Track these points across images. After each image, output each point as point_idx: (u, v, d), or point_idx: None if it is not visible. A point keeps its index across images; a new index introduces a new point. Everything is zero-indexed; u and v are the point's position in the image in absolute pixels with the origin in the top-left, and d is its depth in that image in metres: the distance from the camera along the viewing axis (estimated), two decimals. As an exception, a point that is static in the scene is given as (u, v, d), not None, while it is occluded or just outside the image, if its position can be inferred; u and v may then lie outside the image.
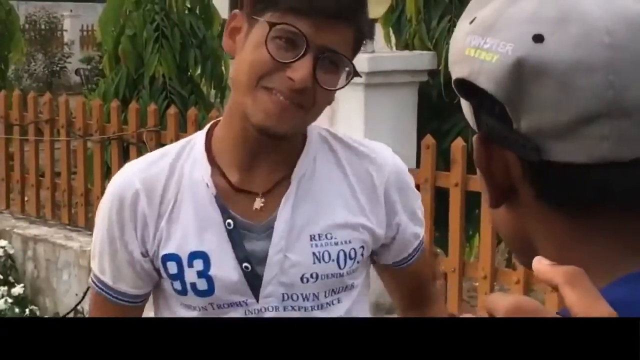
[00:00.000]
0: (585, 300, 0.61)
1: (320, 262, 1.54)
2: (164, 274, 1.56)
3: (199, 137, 1.58)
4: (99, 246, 1.59)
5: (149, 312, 1.67)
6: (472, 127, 0.81)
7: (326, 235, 1.55)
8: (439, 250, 4.50)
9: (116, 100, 5.77)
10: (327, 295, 1.57)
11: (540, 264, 0.65)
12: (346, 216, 1.57)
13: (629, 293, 0.73)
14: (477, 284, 4.53)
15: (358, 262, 1.58)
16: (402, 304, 1.81)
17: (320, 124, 1.58)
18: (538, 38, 0.73)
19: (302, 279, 1.54)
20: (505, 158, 0.78)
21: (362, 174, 1.59)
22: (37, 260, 5.60)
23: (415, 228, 1.66)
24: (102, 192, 1.64)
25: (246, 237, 1.54)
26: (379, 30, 5.09)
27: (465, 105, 0.82)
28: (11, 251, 5.72)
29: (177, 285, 1.55)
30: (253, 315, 1.53)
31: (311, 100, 1.46)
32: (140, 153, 5.00)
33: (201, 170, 1.55)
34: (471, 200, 4.22)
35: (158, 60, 6.01)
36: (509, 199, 0.81)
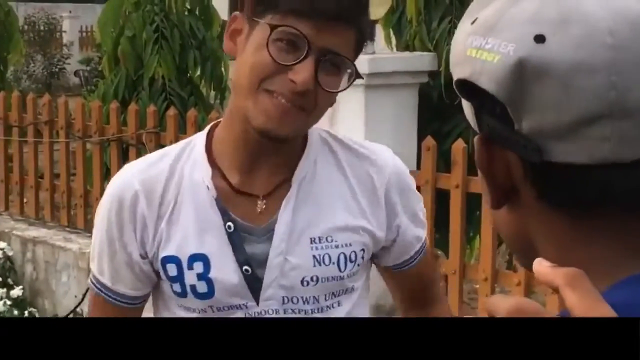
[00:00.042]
0: (585, 302, 0.61)
1: (320, 265, 1.54)
2: (163, 276, 1.56)
3: (199, 138, 1.58)
4: (98, 247, 1.59)
5: (148, 314, 1.67)
6: (474, 128, 0.81)
7: (327, 238, 1.55)
8: (439, 252, 4.50)
9: (115, 101, 5.76)
10: (327, 298, 1.56)
11: (541, 265, 0.65)
12: (347, 219, 1.56)
13: (631, 295, 0.73)
14: (477, 286, 4.53)
15: (358, 265, 1.58)
16: (404, 305, 1.80)
17: (320, 125, 1.58)
18: (540, 38, 0.73)
19: (302, 282, 1.54)
20: (506, 159, 0.78)
21: (363, 176, 1.59)
22: (36, 262, 5.60)
23: (416, 230, 1.66)
24: (102, 194, 1.64)
25: (246, 240, 1.54)
26: (379, 31, 5.09)
27: (466, 106, 0.82)
28: (10, 253, 5.71)
29: (177, 287, 1.55)
30: (253, 318, 1.53)
31: (313, 102, 1.45)
32: (139, 154, 5.00)
33: (201, 172, 1.54)
34: (472, 202, 4.21)
35: (157, 62, 6.01)
36: (510, 200, 0.81)
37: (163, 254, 1.54)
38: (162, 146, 2.04)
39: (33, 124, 5.96)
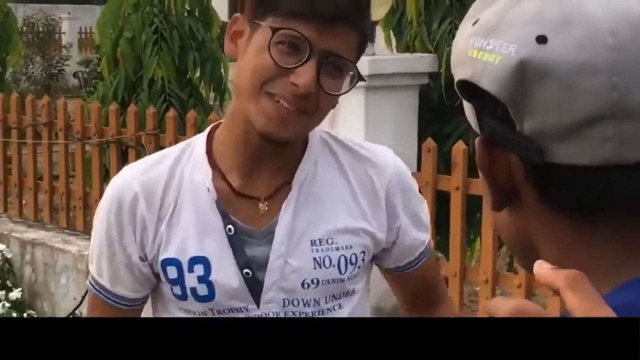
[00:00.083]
0: (586, 304, 0.61)
1: (321, 267, 1.54)
2: (163, 279, 1.55)
3: (199, 140, 1.58)
4: (97, 249, 1.59)
5: (146, 316, 1.66)
6: (474, 129, 0.81)
7: (327, 241, 1.54)
8: (440, 254, 4.50)
9: (115, 103, 5.76)
10: (327, 300, 1.56)
11: (542, 267, 0.65)
12: (347, 221, 1.56)
13: (634, 297, 0.73)
14: (478, 288, 4.52)
15: (359, 267, 1.57)
16: (406, 306, 1.80)
17: (321, 126, 1.57)
18: (541, 39, 0.73)
19: (302, 284, 1.53)
20: (507, 160, 0.78)
21: (363, 178, 1.59)
22: (35, 264, 5.59)
23: (418, 233, 1.65)
24: (101, 196, 1.64)
25: (247, 243, 1.53)
26: (379, 32, 5.10)
27: (467, 107, 0.81)
28: (9, 255, 5.71)
29: (177, 290, 1.54)
30: (253, 320, 1.53)
31: (315, 105, 1.45)
32: (139, 156, 5.00)
33: (202, 174, 1.54)
34: (472, 204, 4.21)
35: (157, 63, 6.01)
36: (511, 202, 0.80)
37: (163, 256, 1.54)
38: (162, 148, 2.04)
39: (32, 126, 5.95)
